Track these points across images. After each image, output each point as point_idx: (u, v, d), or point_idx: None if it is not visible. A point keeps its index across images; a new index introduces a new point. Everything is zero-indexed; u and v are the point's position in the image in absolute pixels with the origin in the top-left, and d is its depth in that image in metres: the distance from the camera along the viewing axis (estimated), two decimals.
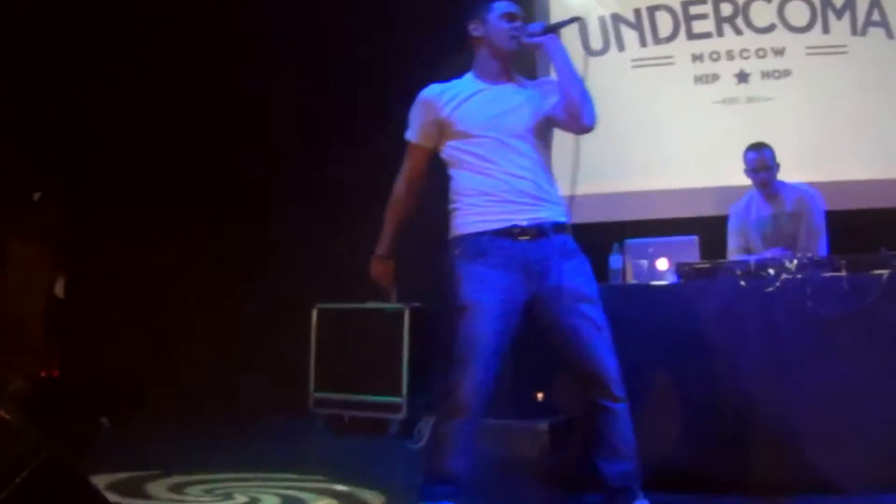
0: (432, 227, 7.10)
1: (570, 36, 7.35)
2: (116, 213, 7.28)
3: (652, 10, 7.72)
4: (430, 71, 4.25)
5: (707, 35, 7.64)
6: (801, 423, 4.48)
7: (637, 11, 7.75)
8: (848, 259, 4.79)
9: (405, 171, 4.06)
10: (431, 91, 3.98)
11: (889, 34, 7.45)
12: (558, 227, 3.83)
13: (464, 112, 3.89)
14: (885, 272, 4.62)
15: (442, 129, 3.92)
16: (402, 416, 6.56)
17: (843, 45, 7.48)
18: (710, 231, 6.06)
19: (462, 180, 3.90)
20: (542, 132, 3.95)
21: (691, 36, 7.66)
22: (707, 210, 6.82)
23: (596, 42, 7.73)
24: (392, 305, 6.74)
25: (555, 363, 4.02)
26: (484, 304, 3.69)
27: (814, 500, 4.19)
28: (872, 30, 7.49)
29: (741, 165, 6.19)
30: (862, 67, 7.43)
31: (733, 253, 6.09)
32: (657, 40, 7.69)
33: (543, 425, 5.75)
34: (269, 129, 7.67)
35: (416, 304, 6.73)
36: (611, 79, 7.45)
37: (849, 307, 4.57)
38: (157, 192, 7.49)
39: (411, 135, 4.01)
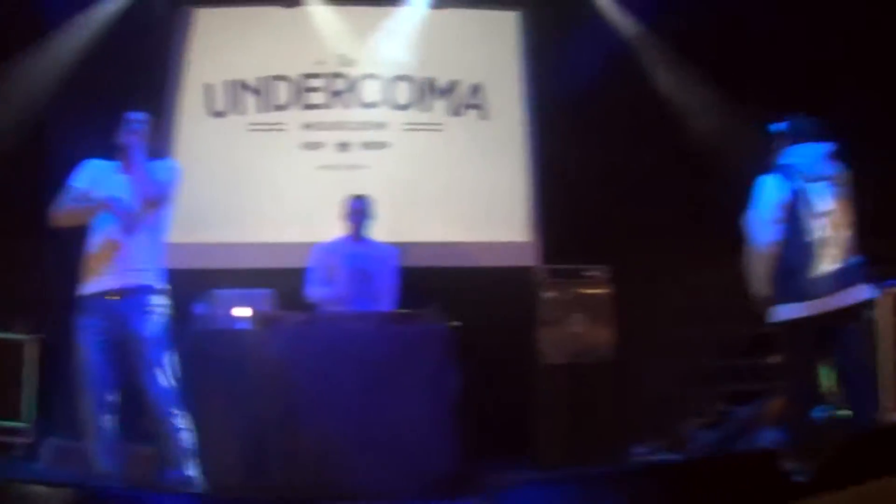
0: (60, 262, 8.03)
1: (194, 96, 8.50)
2: None
3: (274, 79, 8.80)
4: None
5: (318, 106, 8.83)
6: (349, 445, 5.78)
7: (260, 79, 8.79)
8: (399, 313, 6.37)
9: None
10: (87, 163, 5.42)
11: (484, 116, 9.06)
12: (142, 289, 5.26)
13: (93, 188, 5.32)
14: (422, 325, 6.19)
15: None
16: (26, 439, 7.17)
17: (440, 124, 8.97)
18: (296, 281, 7.16)
19: (86, 246, 5.32)
20: (146, 208, 5.30)
21: (304, 106, 8.81)
22: (295, 262, 7.48)
23: (220, 104, 8.67)
24: (14, 335, 7.38)
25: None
26: (85, 345, 5.17)
27: None
28: (469, 111, 9.05)
29: (333, 224, 7.32)
30: (455, 143, 8.94)
31: (313, 284, 7.12)
32: (274, 107, 8.72)
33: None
34: None
35: (38, 335, 7.41)
36: (229, 139, 8.59)
37: (395, 352, 6.04)
38: None
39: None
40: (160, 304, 5.33)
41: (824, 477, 2.81)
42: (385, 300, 7.13)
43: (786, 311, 5.31)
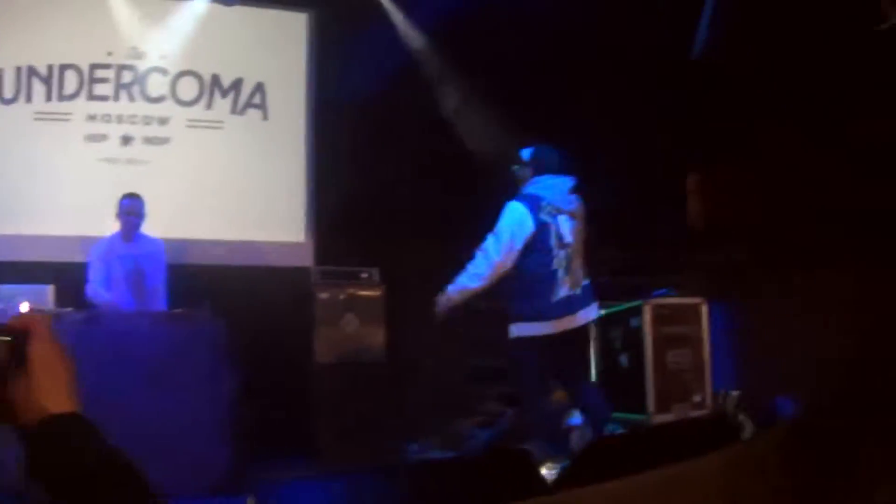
0: None
1: None
2: None
3: (63, 67, 8.70)
4: None
5: (105, 98, 8.83)
6: (129, 444, 6.04)
7: (50, 67, 8.67)
8: (173, 312, 6.76)
9: None
10: None
11: (265, 116, 9.38)
12: None
13: None
14: (195, 324, 6.54)
15: None
16: None
17: (221, 122, 9.21)
18: (76, 275, 7.29)
19: None
20: None
21: (91, 97, 8.78)
22: (75, 256, 7.62)
23: (10, 91, 8.52)
24: None
25: None
26: None
27: None
28: (251, 111, 9.33)
29: (112, 216, 7.42)
30: (235, 142, 9.22)
31: (92, 283, 7.27)
32: (61, 97, 8.65)
33: None
34: None
35: None
36: (15, 128, 8.47)
37: (170, 350, 6.34)
38: None
39: None
40: None
41: (571, 475, 3.28)
42: (159, 295, 7.40)
43: (525, 329, 5.95)
